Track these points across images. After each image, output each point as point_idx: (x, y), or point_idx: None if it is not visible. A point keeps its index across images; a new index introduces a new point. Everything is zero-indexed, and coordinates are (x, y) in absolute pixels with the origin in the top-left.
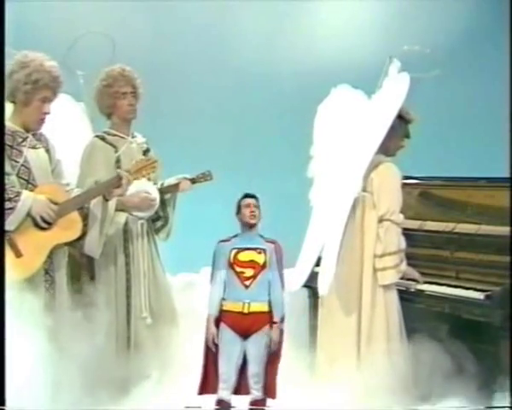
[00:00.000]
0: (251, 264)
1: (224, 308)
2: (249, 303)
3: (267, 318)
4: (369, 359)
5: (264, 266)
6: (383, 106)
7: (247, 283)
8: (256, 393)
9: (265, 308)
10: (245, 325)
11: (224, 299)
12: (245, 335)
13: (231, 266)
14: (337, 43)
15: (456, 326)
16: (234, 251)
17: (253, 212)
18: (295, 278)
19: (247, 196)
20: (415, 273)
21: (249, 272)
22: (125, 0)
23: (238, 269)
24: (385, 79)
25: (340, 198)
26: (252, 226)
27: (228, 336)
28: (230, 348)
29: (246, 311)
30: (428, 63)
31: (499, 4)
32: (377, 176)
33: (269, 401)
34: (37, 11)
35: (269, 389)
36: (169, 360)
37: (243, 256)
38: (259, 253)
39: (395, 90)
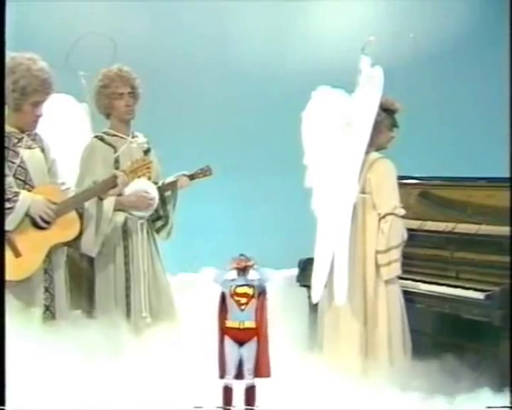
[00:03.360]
0: (245, 295)
1: (227, 326)
2: (244, 322)
3: (255, 332)
4: (375, 354)
5: (253, 296)
6: (363, 103)
7: (243, 307)
8: (249, 381)
9: (254, 325)
10: (240, 337)
11: (226, 319)
12: (240, 343)
13: (232, 296)
14: (338, 44)
15: (456, 326)
16: (233, 286)
17: (240, 263)
18: (313, 292)
19: (241, 254)
20: None
21: (243, 300)
22: (126, 1)
23: (236, 298)
24: (360, 76)
25: (340, 205)
26: (243, 272)
27: (230, 345)
28: (232, 352)
29: (241, 327)
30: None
31: (499, 4)
32: (373, 175)
33: (272, 395)
34: (39, 12)
35: (263, 371)
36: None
37: (240, 290)
38: (250, 287)
39: (371, 85)
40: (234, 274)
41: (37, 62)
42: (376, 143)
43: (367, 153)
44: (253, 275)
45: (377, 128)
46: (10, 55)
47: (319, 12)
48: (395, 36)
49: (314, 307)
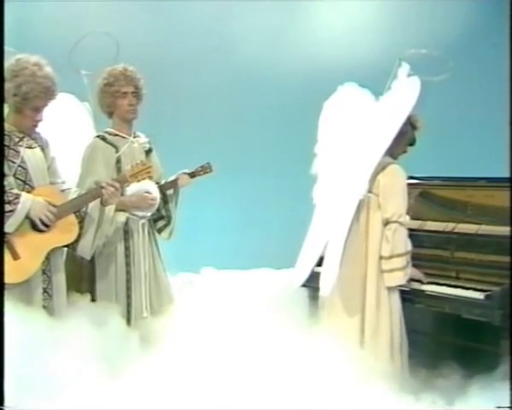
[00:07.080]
0: None
1: None
2: None
3: None
4: (372, 359)
5: None
6: (393, 108)
7: None
8: None
9: None
10: None
11: None
12: None
13: None
14: (342, 43)
15: (456, 326)
16: None
17: None
18: (296, 275)
19: None
20: (419, 274)
21: None
22: (129, 0)
23: None
24: (394, 82)
25: (344, 198)
26: None
27: None
28: None
29: None
30: (436, 66)
31: (499, 4)
32: (384, 178)
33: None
34: (42, 10)
35: None
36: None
37: None
38: None
39: (406, 93)
40: None
41: (43, 68)
42: (392, 152)
43: (382, 156)
44: None
45: (398, 138)
46: (16, 56)
47: (327, 10)
48: (397, 36)
49: (314, 307)
